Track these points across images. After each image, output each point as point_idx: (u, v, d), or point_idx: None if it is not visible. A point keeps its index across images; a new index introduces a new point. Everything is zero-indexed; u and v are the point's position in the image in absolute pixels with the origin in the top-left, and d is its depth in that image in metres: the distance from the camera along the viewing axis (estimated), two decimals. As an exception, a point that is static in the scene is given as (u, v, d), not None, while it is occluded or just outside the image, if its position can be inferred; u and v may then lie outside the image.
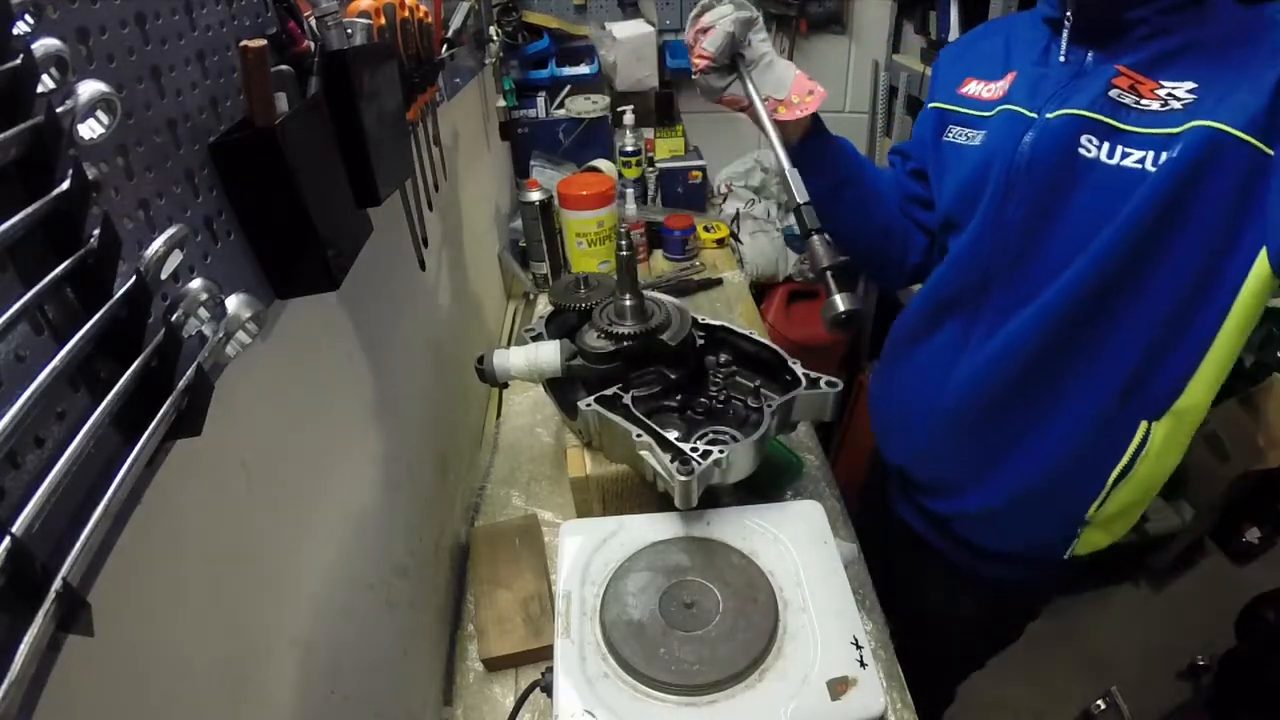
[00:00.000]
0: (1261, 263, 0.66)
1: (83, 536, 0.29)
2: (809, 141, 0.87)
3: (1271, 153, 0.62)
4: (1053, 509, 0.85)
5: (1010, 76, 0.80)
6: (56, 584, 0.27)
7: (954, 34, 1.58)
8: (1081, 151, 0.70)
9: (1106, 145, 0.69)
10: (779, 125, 0.82)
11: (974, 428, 0.86)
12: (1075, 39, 0.74)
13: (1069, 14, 0.73)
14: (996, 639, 1.14)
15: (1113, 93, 0.69)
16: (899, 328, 0.98)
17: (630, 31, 1.76)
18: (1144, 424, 0.77)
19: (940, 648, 1.10)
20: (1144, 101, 0.68)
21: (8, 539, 0.25)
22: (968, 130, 0.82)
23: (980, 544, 0.93)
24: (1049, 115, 0.72)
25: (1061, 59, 0.75)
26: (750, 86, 0.82)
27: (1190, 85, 0.66)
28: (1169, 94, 0.67)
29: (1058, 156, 0.71)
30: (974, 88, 0.83)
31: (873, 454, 1.14)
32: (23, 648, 0.25)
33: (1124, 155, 0.68)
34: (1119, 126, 0.68)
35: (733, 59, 0.83)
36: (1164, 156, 0.66)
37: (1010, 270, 0.78)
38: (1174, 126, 0.65)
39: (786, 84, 0.84)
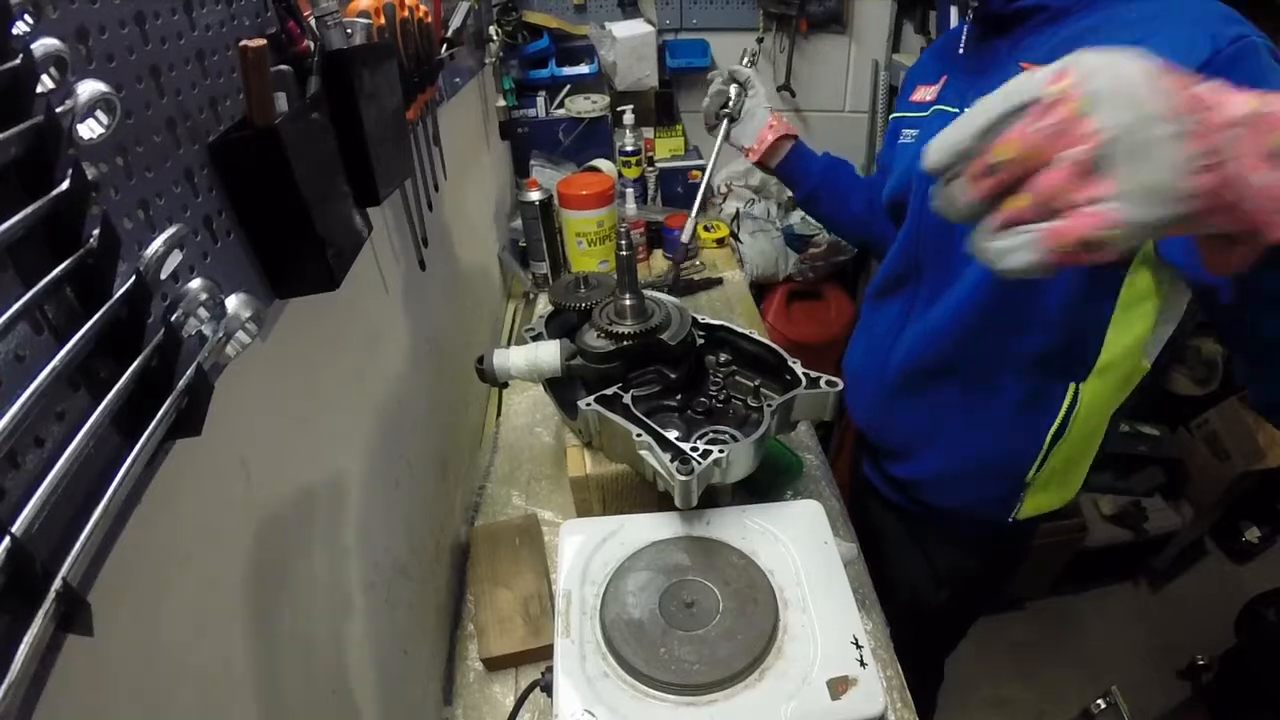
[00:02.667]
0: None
1: (83, 536, 0.29)
2: (779, 166, 1.14)
3: None
4: (994, 474, 0.91)
5: (943, 79, 0.89)
6: (56, 584, 0.27)
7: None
8: None
9: None
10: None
11: (915, 398, 0.93)
12: (984, 31, 0.81)
13: (972, 7, 0.81)
14: (967, 604, 1.17)
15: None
16: (864, 299, 1.07)
17: (630, 31, 1.76)
18: (1071, 385, 0.82)
19: (916, 612, 1.14)
20: None
21: (8, 539, 0.25)
22: (910, 130, 0.93)
23: (932, 503, 1.00)
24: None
25: (961, 49, 0.86)
26: (720, 139, 1.17)
27: None
28: None
29: None
30: (920, 93, 0.93)
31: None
32: (23, 648, 0.25)
33: None
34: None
35: (719, 116, 1.15)
36: None
37: (935, 257, 0.86)
38: None
39: (752, 136, 1.13)
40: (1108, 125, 0.32)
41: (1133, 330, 0.79)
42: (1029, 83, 0.36)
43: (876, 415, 1.02)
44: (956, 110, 0.81)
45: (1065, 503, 0.93)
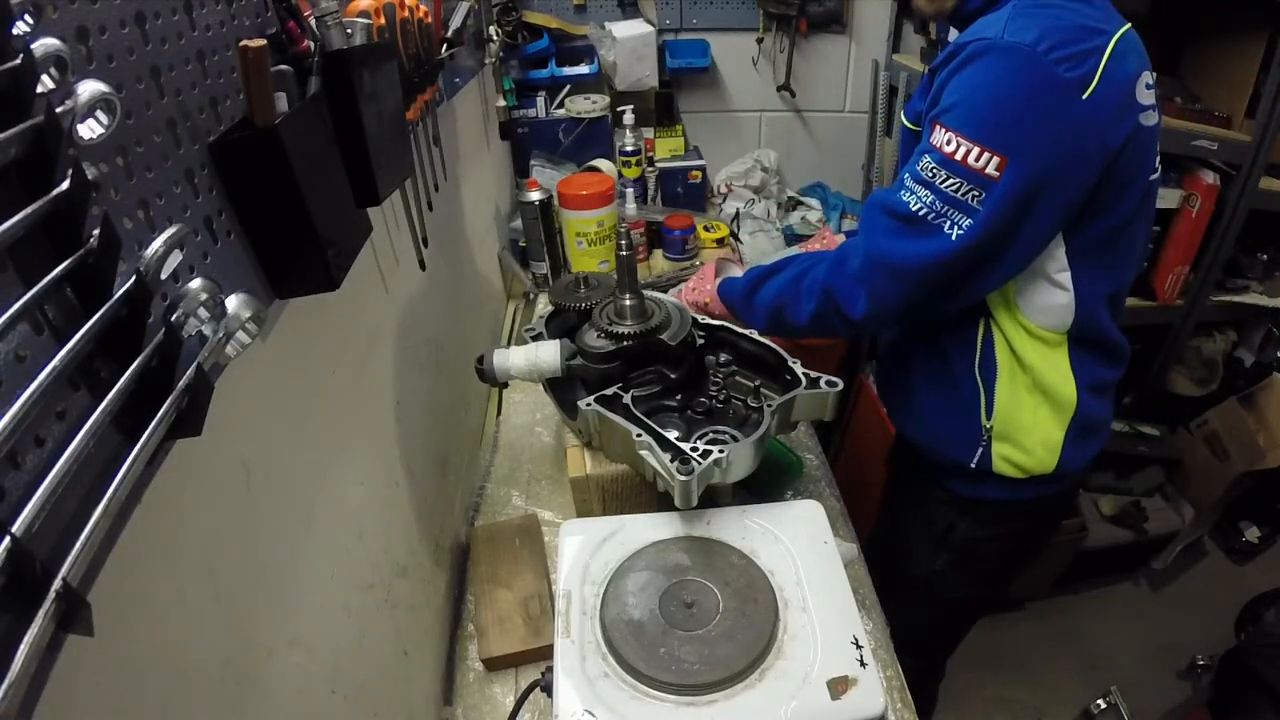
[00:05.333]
0: None
1: (83, 536, 0.29)
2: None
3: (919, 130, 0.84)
4: (956, 421, 0.98)
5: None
6: (56, 584, 0.27)
7: (953, 34, 1.58)
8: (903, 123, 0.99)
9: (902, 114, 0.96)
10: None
11: (895, 362, 1.10)
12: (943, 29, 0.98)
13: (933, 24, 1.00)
14: (968, 580, 1.18)
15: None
16: None
17: (630, 31, 1.76)
18: (980, 320, 0.92)
19: (923, 592, 1.17)
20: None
21: (8, 539, 0.25)
22: None
23: (919, 456, 1.09)
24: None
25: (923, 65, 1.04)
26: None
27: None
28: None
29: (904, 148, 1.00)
30: None
31: None
32: (23, 648, 0.25)
33: (908, 118, 0.97)
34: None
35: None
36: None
37: None
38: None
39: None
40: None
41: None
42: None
43: (880, 384, 1.19)
44: (915, 127, 0.95)
45: (1043, 466, 0.95)
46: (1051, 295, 0.86)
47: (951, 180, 0.74)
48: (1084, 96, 0.71)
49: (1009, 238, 0.76)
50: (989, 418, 0.95)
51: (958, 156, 0.73)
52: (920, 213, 0.77)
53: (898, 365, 1.08)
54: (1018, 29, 0.72)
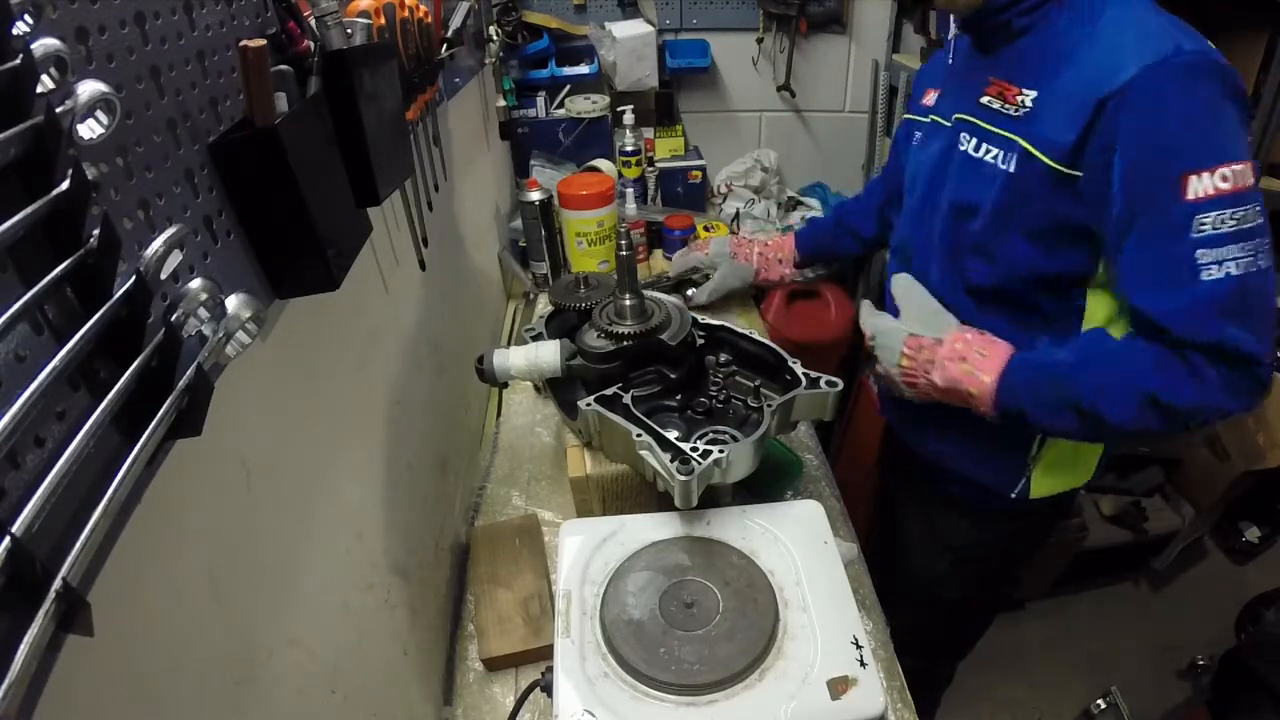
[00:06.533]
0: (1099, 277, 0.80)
1: (83, 536, 0.29)
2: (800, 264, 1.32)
3: (1078, 174, 0.72)
4: (997, 452, 0.94)
5: (940, 89, 0.94)
6: (56, 584, 0.27)
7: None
8: (959, 146, 0.85)
9: (975, 140, 0.82)
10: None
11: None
12: (971, 44, 0.87)
13: (957, 24, 0.88)
14: (979, 590, 1.18)
15: (983, 99, 0.82)
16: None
17: (630, 31, 1.76)
18: None
19: (931, 600, 1.17)
20: (1005, 105, 0.79)
21: (8, 539, 0.25)
22: (918, 133, 0.98)
23: (946, 478, 1.02)
24: (951, 122, 0.87)
25: (950, 60, 0.91)
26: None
27: (1033, 94, 0.76)
28: (1021, 100, 0.77)
29: (943, 154, 0.88)
30: (929, 97, 0.98)
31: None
32: (23, 648, 0.25)
33: (986, 151, 0.80)
34: (983, 125, 0.81)
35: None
36: (1004, 156, 0.78)
37: (918, 253, 0.94)
38: (1012, 133, 0.77)
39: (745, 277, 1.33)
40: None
41: (1104, 302, 0.82)
42: (862, 319, 0.92)
43: (896, 400, 1.01)
44: (947, 123, 0.88)
45: (1079, 482, 0.95)
46: None
47: (1244, 212, 0.65)
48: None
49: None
50: (1039, 449, 0.91)
51: (1237, 186, 0.65)
52: (1243, 274, 0.66)
53: None
54: (1189, 38, 0.66)
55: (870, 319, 0.90)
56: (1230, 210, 0.65)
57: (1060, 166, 0.72)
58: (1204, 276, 0.66)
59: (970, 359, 0.79)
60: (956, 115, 0.85)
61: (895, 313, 0.91)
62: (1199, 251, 0.66)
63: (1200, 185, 0.65)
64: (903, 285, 0.90)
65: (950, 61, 0.92)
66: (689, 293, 1.35)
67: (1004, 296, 0.84)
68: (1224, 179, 0.65)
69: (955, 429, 0.95)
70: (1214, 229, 0.65)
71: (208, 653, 0.42)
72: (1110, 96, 0.67)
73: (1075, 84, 0.71)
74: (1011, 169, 0.77)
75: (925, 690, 1.36)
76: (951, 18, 0.91)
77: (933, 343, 0.82)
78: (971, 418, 0.87)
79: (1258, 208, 0.66)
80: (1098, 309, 0.81)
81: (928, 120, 0.95)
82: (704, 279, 1.34)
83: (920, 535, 1.14)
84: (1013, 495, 0.95)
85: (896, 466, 1.19)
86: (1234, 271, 0.66)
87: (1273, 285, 0.68)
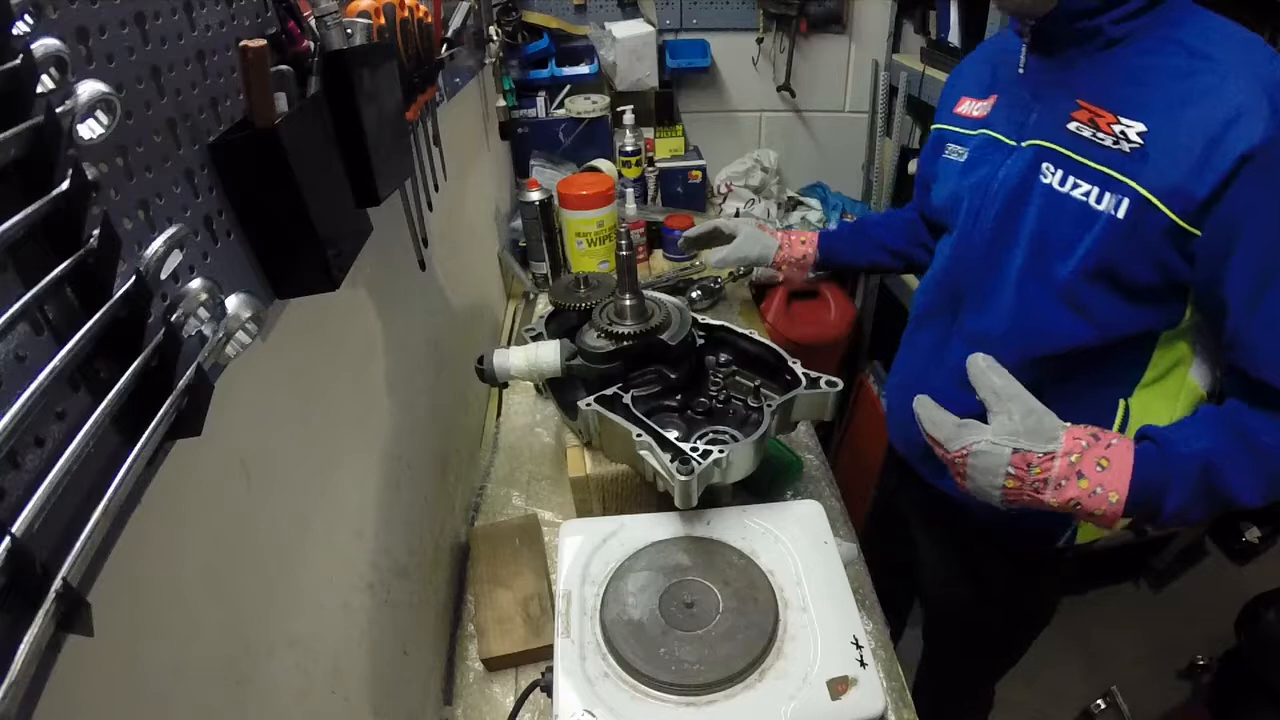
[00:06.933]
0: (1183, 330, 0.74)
1: (83, 536, 0.29)
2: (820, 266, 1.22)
3: (1198, 233, 0.64)
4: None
5: (993, 99, 0.84)
6: (56, 584, 0.27)
7: (954, 33, 1.58)
8: (1040, 177, 0.74)
9: (1060, 173, 0.72)
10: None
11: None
12: (1035, 48, 0.76)
13: (1029, 25, 0.74)
14: (1022, 621, 1.13)
15: (1071, 125, 0.72)
16: (908, 324, 1.02)
17: (630, 31, 1.76)
18: (1120, 401, 0.79)
19: (968, 635, 1.12)
20: (1100, 135, 0.69)
21: (8, 539, 0.25)
22: (957, 147, 0.88)
23: (979, 525, 0.94)
24: (1023, 145, 0.77)
25: (1021, 70, 0.79)
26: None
27: (1141, 128, 0.67)
28: (1122, 131, 0.68)
29: (1020, 182, 0.76)
30: (965, 106, 0.88)
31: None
32: (23, 648, 0.25)
33: (1074, 186, 0.71)
34: (1074, 157, 0.71)
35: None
36: (1108, 198, 0.68)
37: (976, 279, 0.83)
38: (1119, 172, 0.68)
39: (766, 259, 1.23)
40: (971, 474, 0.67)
41: (1176, 350, 0.77)
42: (940, 429, 0.69)
43: (920, 439, 0.84)
44: (1012, 142, 0.78)
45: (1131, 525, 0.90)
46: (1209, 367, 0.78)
47: None
48: None
49: None
50: None
51: None
52: None
53: (975, 410, 0.77)
54: None
55: (951, 428, 0.68)
56: None
57: (1184, 223, 0.64)
58: None
59: (1089, 474, 0.64)
60: (1033, 141, 0.75)
61: (953, 398, 0.71)
62: None
63: None
64: (984, 369, 0.69)
65: (1022, 71, 0.79)
66: (715, 258, 1.24)
67: (1085, 354, 0.76)
68: None
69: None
70: None
71: (208, 653, 0.42)
72: (1256, 153, 0.60)
73: (1206, 124, 0.62)
74: (1120, 215, 0.67)
75: (971, 715, 1.32)
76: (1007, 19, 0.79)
77: (1043, 459, 0.64)
78: None
79: None
80: (1164, 357, 0.77)
81: (975, 135, 0.84)
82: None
83: (959, 590, 1.07)
84: (1059, 545, 0.89)
85: (910, 492, 1.09)
86: None
87: None
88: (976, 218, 0.82)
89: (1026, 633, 1.15)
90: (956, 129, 0.89)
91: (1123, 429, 0.79)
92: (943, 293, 0.89)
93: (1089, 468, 0.64)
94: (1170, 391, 0.80)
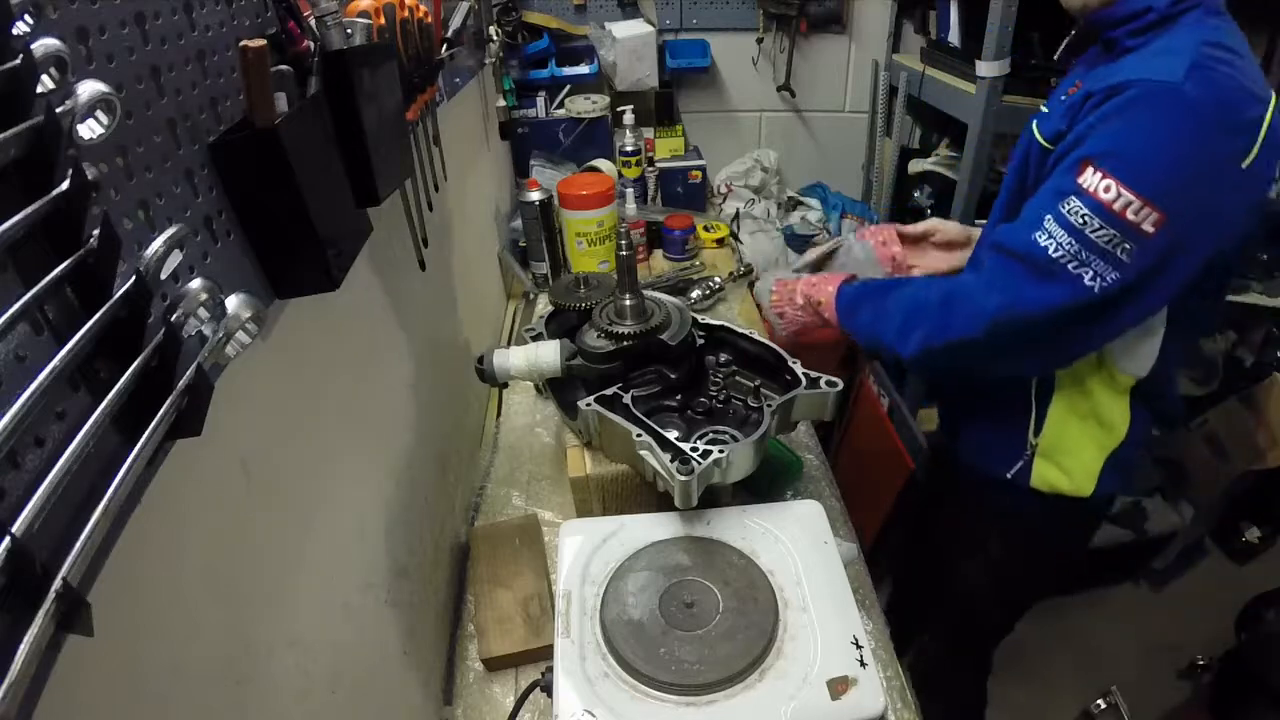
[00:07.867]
0: None
1: (83, 536, 0.29)
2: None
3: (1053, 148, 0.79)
4: (1003, 429, 0.99)
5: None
6: (56, 584, 0.27)
7: (954, 33, 1.58)
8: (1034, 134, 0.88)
9: (1037, 124, 0.87)
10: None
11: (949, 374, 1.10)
12: (1073, 51, 0.91)
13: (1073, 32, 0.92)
14: (1002, 581, 1.19)
15: (1062, 95, 0.85)
16: None
17: (630, 31, 1.76)
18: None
19: (963, 591, 1.23)
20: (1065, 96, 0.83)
21: (8, 539, 0.25)
22: None
23: (959, 460, 1.10)
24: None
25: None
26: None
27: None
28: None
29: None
30: None
31: None
32: (23, 648, 0.25)
33: (1043, 134, 0.84)
34: (1043, 109, 0.89)
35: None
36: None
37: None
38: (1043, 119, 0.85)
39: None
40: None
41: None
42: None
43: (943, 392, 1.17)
44: (1050, 145, 0.87)
45: (1079, 490, 0.96)
46: (1142, 343, 0.85)
47: (1102, 230, 0.70)
48: (1243, 166, 0.69)
49: (1145, 293, 0.74)
50: (1036, 435, 0.96)
51: (1115, 207, 0.69)
52: (1058, 257, 0.73)
53: (948, 373, 1.06)
54: (1201, 82, 0.67)
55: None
56: (1095, 217, 0.70)
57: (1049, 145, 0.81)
58: (1034, 234, 0.74)
59: (819, 281, 1.00)
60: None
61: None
62: (1048, 218, 0.74)
63: (1091, 179, 0.70)
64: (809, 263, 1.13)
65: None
66: (802, 258, 1.23)
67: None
68: (1107, 190, 0.69)
69: (961, 405, 1.08)
70: (1070, 216, 0.72)
71: (208, 653, 0.42)
72: (1094, 93, 0.73)
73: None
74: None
75: (971, 680, 1.46)
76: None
77: (794, 278, 1.03)
78: (976, 389, 1.01)
79: (1127, 246, 0.70)
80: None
81: None
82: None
83: (954, 540, 1.19)
84: (1009, 476, 0.99)
85: (934, 480, 1.26)
86: (1052, 253, 0.73)
87: (1056, 307, 0.74)
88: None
89: (1016, 594, 1.22)
90: None
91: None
92: None
93: (820, 279, 1.01)
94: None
